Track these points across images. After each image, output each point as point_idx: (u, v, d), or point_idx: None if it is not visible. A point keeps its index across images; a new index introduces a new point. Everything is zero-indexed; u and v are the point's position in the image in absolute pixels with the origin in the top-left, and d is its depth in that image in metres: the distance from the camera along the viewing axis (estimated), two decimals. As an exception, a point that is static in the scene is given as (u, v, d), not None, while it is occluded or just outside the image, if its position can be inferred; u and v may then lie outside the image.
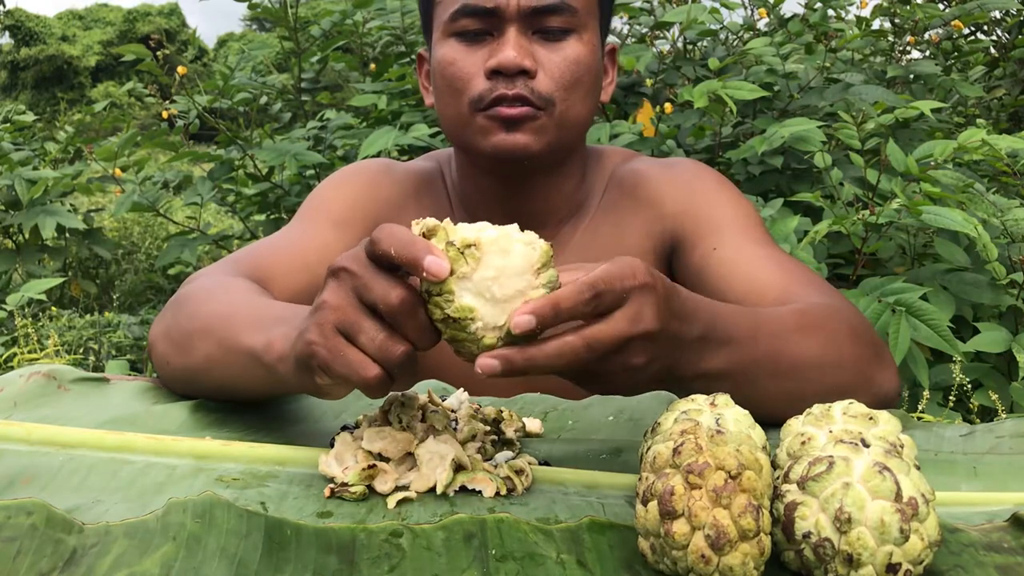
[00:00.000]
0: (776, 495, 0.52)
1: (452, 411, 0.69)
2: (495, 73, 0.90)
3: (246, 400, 0.78)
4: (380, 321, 0.57)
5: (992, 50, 3.08)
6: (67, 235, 3.40)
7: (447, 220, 0.57)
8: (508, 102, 0.89)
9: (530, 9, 0.90)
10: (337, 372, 0.57)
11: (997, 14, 2.94)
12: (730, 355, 0.66)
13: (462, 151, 1.00)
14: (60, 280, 2.72)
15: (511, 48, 0.89)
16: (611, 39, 1.11)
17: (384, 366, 0.56)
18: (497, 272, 0.54)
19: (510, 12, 0.90)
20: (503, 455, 0.66)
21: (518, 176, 0.96)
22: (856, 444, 0.52)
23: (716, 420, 0.53)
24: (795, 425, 0.56)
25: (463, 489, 0.62)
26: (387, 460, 0.63)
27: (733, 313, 0.69)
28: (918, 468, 0.52)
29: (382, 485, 0.61)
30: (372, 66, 3.05)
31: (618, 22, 2.77)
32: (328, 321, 0.57)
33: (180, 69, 2.60)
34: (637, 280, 0.56)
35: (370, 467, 0.61)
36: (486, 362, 0.55)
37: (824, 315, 0.78)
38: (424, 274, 0.54)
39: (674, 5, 2.54)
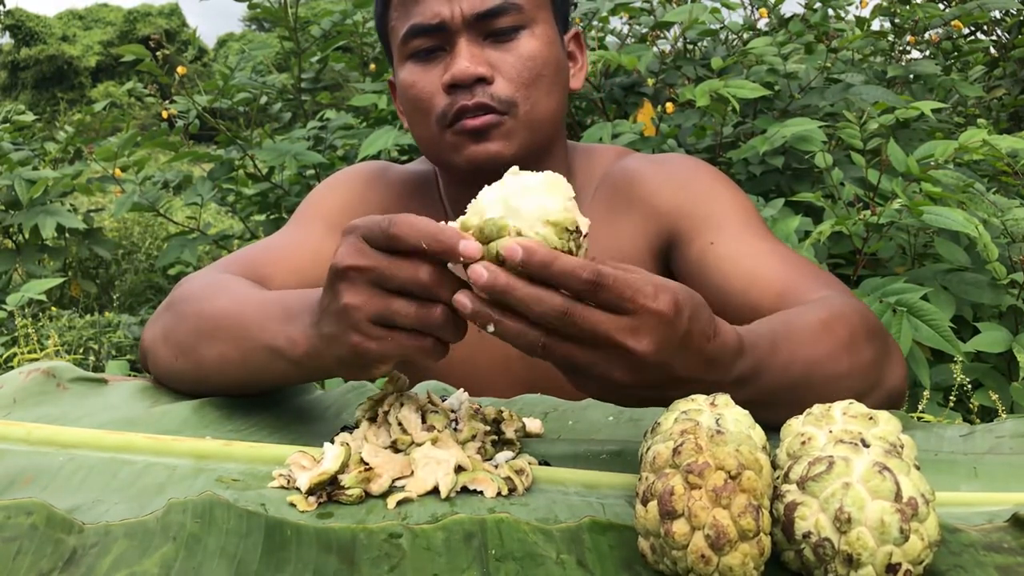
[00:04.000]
0: (776, 495, 0.52)
1: (452, 411, 0.69)
2: (453, 87, 0.90)
3: (261, 393, 0.79)
4: (407, 297, 0.58)
5: (992, 50, 3.08)
6: (67, 235, 3.40)
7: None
8: (471, 113, 0.89)
9: (474, 16, 0.90)
10: (393, 356, 0.60)
11: (997, 14, 2.94)
12: (761, 388, 0.65)
13: (440, 167, 1.01)
14: (60, 280, 2.72)
15: (463, 59, 0.89)
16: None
17: (431, 332, 0.59)
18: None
19: (456, 23, 0.90)
20: (503, 455, 0.66)
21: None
22: (856, 444, 0.51)
23: (716, 420, 0.53)
24: (795, 425, 0.56)
25: (464, 489, 0.62)
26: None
27: (770, 344, 0.67)
28: (918, 468, 0.52)
29: (377, 488, 0.61)
30: (372, 66, 3.06)
31: (618, 22, 2.77)
32: (361, 319, 0.59)
33: (180, 69, 2.60)
34: (654, 304, 0.55)
35: (366, 470, 0.61)
36: (477, 268, 0.54)
37: (845, 322, 0.76)
38: (460, 259, 0.55)
39: (674, 5, 2.54)
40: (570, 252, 0.56)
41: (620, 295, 0.54)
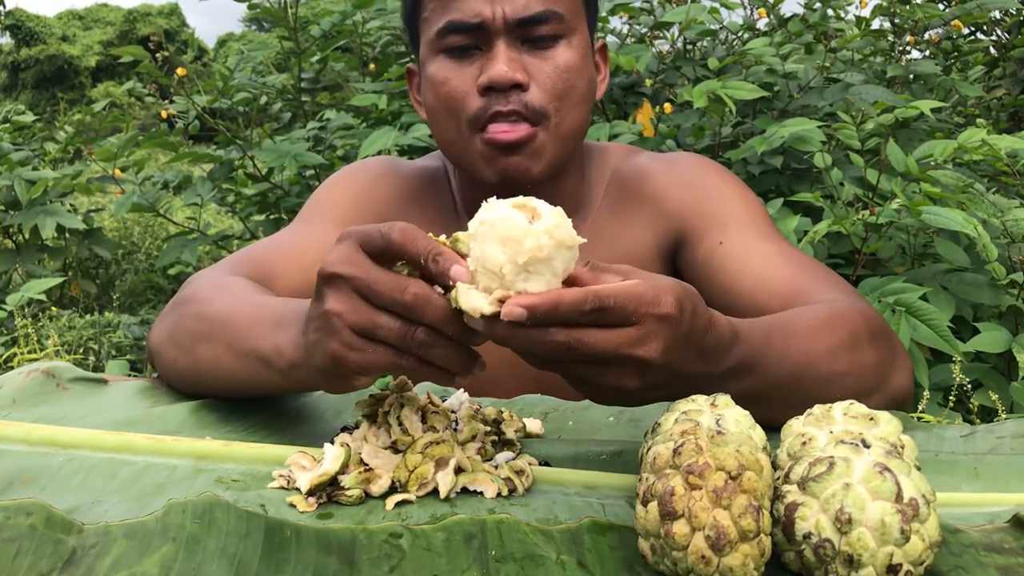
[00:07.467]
0: (777, 496, 0.52)
1: (452, 412, 0.69)
2: (488, 89, 0.89)
3: (257, 397, 0.79)
4: (391, 313, 0.57)
5: (992, 50, 3.08)
6: (67, 235, 3.40)
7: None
8: (504, 118, 0.89)
9: (516, 20, 0.89)
10: (373, 370, 0.58)
11: (997, 14, 2.94)
12: (754, 381, 0.65)
13: (462, 169, 0.99)
14: (60, 280, 2.72)
15: (502, 63, 0.88)
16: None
17: (413, 352, 0.57)
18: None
19: (497, 25, 0.89)
20: (503, 455, 0.66)
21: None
22: (857, 445, 0.51)
23: (716, 421, 0.53)
24: (796, 426, 0.56)
25: (464, 490, 0.62)
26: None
27: (764, 336, 0.67)
28: (919, 469, 0.52)
29: (377, 488, 0.61)
30: (372, 66, 3.05)
31: (618, 22, 2.77)
32: (342, 327, 0.57)
33: (179, 71, 2.60)
34: (658, 309, 0.55)
35: (366, 470, 0.61)
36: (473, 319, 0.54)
37: (847, 322, 0.76)
38: (450, 283, 0.55)
39: (674, 5, 2.54)
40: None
41: (623, 311, 0.54)
